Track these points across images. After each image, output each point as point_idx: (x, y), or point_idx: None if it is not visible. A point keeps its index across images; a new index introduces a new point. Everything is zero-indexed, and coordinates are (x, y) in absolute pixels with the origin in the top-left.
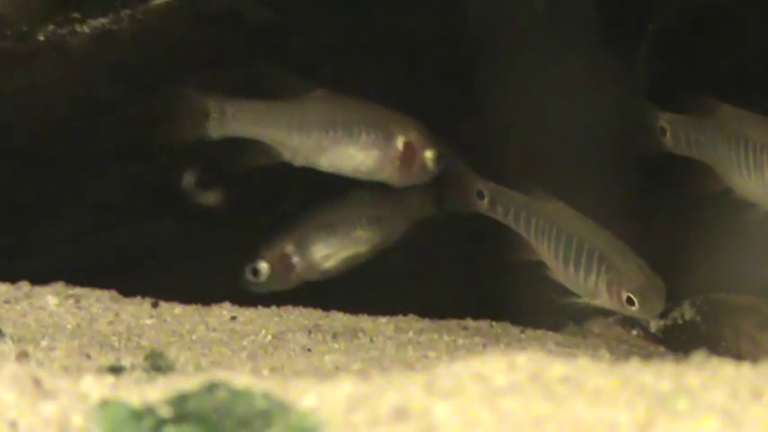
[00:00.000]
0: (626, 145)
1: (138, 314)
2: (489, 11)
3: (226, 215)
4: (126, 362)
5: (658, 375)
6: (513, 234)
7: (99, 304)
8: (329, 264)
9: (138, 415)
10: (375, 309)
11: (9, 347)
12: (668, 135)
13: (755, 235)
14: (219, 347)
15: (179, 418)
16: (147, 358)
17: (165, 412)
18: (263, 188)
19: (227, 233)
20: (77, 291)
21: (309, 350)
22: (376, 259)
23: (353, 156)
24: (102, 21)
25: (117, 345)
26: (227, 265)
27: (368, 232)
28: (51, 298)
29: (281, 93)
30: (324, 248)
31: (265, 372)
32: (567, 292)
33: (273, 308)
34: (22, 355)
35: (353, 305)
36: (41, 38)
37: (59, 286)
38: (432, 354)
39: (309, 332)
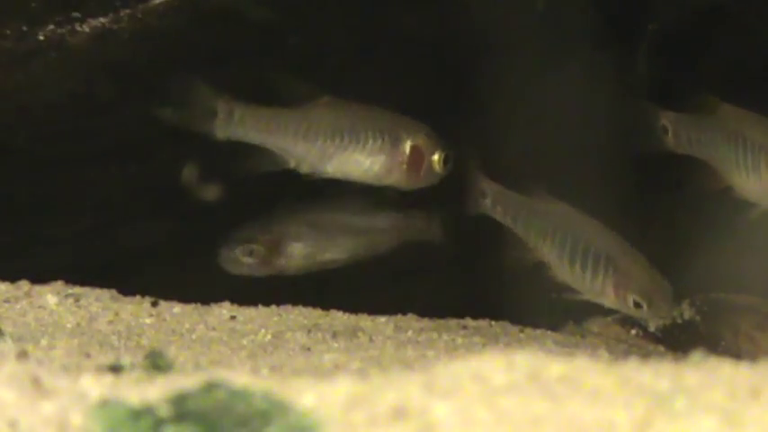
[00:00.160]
0: (625, 144)
1: (137, 313)
2: (490, 10)
3: (225, 214)
4: (125, 361)
5: (657, 375)
6: (512, 235)
7: (98, 303)
8: (307, 262)
9: (138, 414)
10: (374, 308)
11: (9, 346)
12: (670, 134)
13: (754, 234)
14: (219, 347)
15: (178, 417)
16: (146, 357)
17: (165, 411)
18: (262, 188)
19: (228, 233)
20: (77, 290)
21: (309, 349)
22: (375, 259)
23: (360, 162)
24: (101, 20)
25: (116, 344)
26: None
27: (352, 242)
28: (51, 297)
29: (287, 99)
30: (307, 247)
31: (265, 371)
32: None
33: (273, 307)
34: (22, 354)
35: (353, 304)
36: (41, 37)
37: (59, 285)
38: (431, 353)
39: (309, 331)
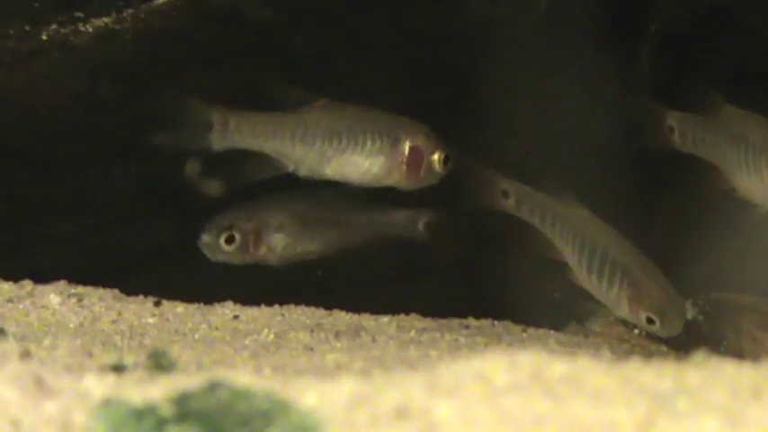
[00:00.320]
0: (626, 144)
1: (140, 313)
2: (491, 10)
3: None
4: (128, 361)
5: (659, 375)
6: (537, 233)
7: (101, 303)
8: (287, 253)
9: (140, 414)
10: (377, 308)
11: (12, 346)
12: (676, 134)
13: (756, 234)
14: (222, 346)
15: (181, 417)
16: (149, 357)
17: (167, 411)
18: (264, 187)
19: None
20: (80, 290)
21: (311, 349)
22: (377, 259)
23: (359, 164)
24: (104, 20)
25: (119, 343)
26: (229, 265)
27: (330, 234)
28: (54, 297)
29: (284, 104)
30: (286, 237)
31: (267, 371)
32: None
33: (276, 307)
34: (25, 354)
35: (356, 304)
36: (44, 37)
37: (62, 285)
38: (433, 353)
39: (312, 331)
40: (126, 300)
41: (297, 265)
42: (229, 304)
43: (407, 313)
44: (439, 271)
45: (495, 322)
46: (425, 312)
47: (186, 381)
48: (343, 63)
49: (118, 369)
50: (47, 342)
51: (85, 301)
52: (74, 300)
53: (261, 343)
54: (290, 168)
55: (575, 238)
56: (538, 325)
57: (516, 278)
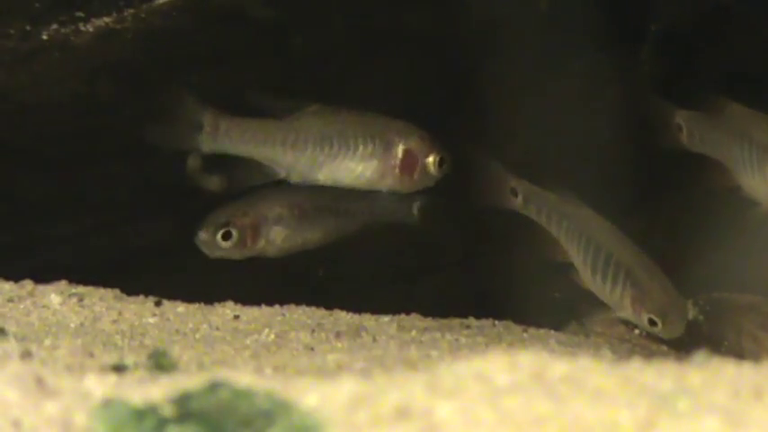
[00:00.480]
0: (629, 143)
1: (141, 313)
2: (492, 10)
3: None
4: (129, 361)
5: (660, 375)
6: (544, 234)
7: (102, 303)
8: (285, 244)
9: (141, 414)
10: (378, 308)
11: (12, 346)
12: (684, 132)
13: (759, 234)
14: (222, 346)
15: (181, 417)
16: (150, 357)
17: (168, 411)
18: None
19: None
20: (81, 289)
21: (312, 349)
22: (378, 259)
23: (351, 168)
24: (105, 20)
25: (120, 343)
26: (230, 264)
27: (327, 223)
28: (54, 297)
29: (275, 112)
30: (285, 229)
31: (268, 371)
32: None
33: (277, 307)
34: (26, 354)
35: (356, 304)
36: (45, 37)
37: (63, 285)
38: (434, 353)
39: (312, 331)
40: (127, 300)
41: (297, 262)
42: (230, 304)
43: (408, 313)
44: (440, 271)
45: (496, 322)
46: (426, 312)
47: (187, 381)
48: (343, 63)
49: (119, 369)
50: (47, 342)
51: (86, 301)
52: (74, 300)
53: (262, 343)
54: (282, 175)
55: (580, 238)
56: (539, 325)
57: (517, 278)
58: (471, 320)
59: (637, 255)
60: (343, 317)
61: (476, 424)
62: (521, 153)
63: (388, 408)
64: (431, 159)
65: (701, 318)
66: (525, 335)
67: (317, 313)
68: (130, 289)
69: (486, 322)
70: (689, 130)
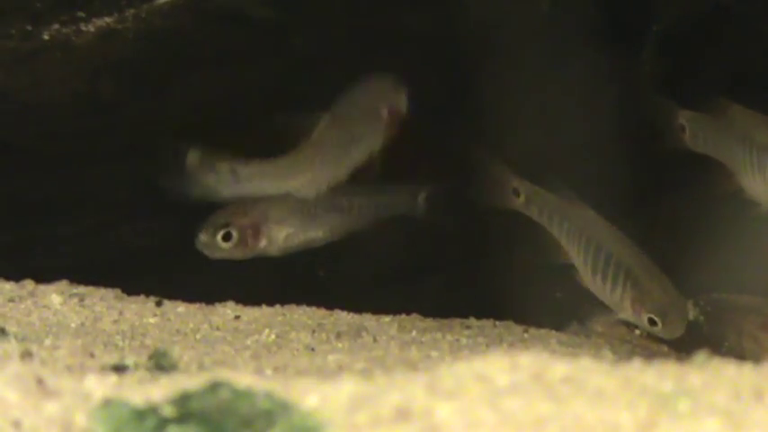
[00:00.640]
0: (630, 143)
1: (141, 313)
2: (492, 11)
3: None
4: (129, 361)
5: (660, 376)
6: (546, 235)
7: (103, 303)
8: (288, 243)
9: (141, 414)
10: (378, 308)
11: (13, 346)
12: (687, 133)
13: (759, 235)
14: (223, 346)
15: (182, 417)
16: (150, 357)
17: (168, 412)
18: None
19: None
20: (81, 289)
21: (313, 349)
22: (379, 259)
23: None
24: (106, 20)
25: (121, 344)
26: (230, 265)
27: (333, 220)
28: (55, 297)
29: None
30: (287, 227)
31: (268, 371)
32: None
33: (277, 307)
34: (26, 354)
35: (357, 304)
36: (46, 37)
37: (63, 285)
38: (435, 353)
39: (313, 331)
40: (127, 300)
41: (298, 262)
42: (231, 304)
43: (409, 313)
44: (440, 271)
45: (497, 322)
46: (427, 312)
47: (188, 381)
48: (343, 63)
49: (119, 369)
50: (48, 342)
51: (87, 301)
52: (75, 300)
53: (262, 343)
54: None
55: (580, 238)
56: (539, 325)
57: (518, 278)
58: (472, 321)
59: (637, 255)
60: (344, 317)
61: (476, 425)
62: (521, 153)
63: (389, 408)
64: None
65: (701, 318)
66: (526, 335)
67: (318, 313)
68: (131, 289)
69: (487, 323)
70: (692, 130)
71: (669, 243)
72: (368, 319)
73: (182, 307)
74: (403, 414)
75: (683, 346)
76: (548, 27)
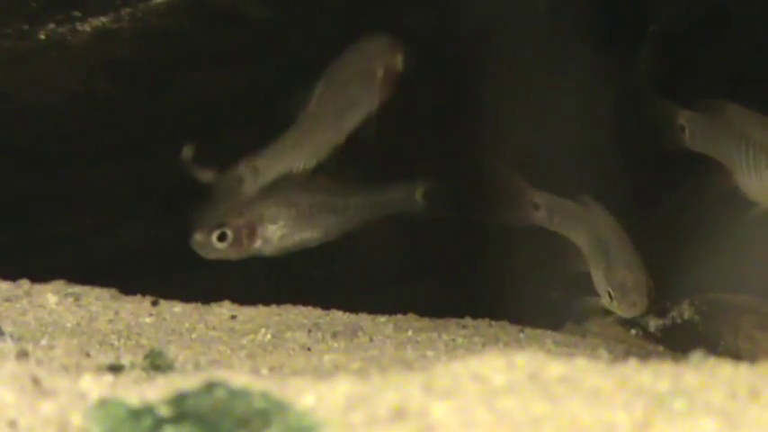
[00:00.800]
0: (628, 143)
1: (137, 312)
2: (490, 10)
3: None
4: (125, 360)
5: (656, 375)
6: (568, 244)
7: (99, 302)
8: (283, 243)
9: (137, 414)
10: (374, 308)
11: (8, 346)
12: (687, 132)
13: (755, 234)
14: (219, 346)
15: (178, 417)
16: (146, 357)
17: (164, 411)
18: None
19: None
20: (77, 289)
21: (309, 349)
22: (375, 259)
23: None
24: (102, 19)
25: (116, 343)
26: (226, 264)
27: (328, 219)
28: (51, 296)
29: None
30: (282, 228)
31: (264, 371)
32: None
33: (273, 307)
34: (22, 354)
35: (353, 304)
36: (42, 36)
37: (59, 284)
38: (430, 353)
39: (309, 331)
40: (123, 299)
41: (294, 262)
42: (227, 304)
43: (405, 313)
44: (436, 271)
45: (493, 322)
46: (423, 312)
47: (183, 381)
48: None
49: (115, 369)
50: (44, 342)
51: (83, 301)
52: (71, 299)
53: (258, 343)
54: None
55: (598, 244)
56: (535, 325)
57: (513, 278)
58: (468, 320)
59: (618, 241)
60: (340, 317)
61: (472, 424)
62: (517, 152)
63: (385, 408)
64: (399, 59)
65: (697, 318)
66: (522, 335)
67: (314, 313)
68: (127, 289)
69: (483, 322)
70: (692, 130)
71: (666, 243)
72: (364, 319)
73: (178, 306)
74: (399, 414)
75: (678, 345)
76: (544, 26)
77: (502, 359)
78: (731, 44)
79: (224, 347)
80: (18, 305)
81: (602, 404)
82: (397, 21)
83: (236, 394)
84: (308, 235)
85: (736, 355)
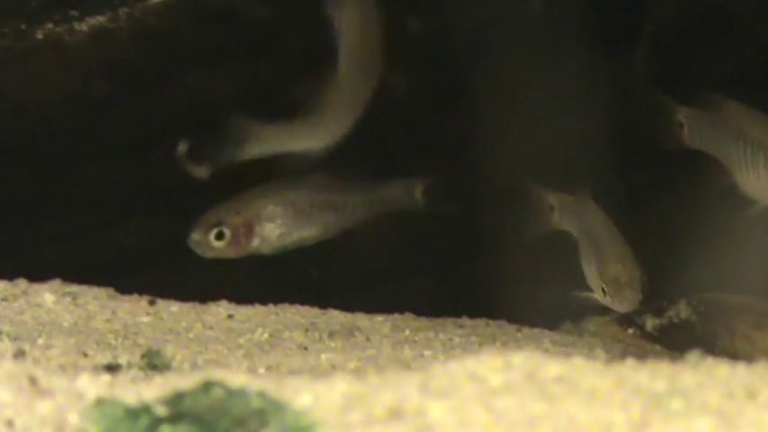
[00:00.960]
0: (624, 142)
1: (134, 312)
2: (486, 10)
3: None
4: (123, 360)
5: (653, 375)
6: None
7: (96, 302)
8: (281, 242)
9: (134, 413)
10: (372, 307)
11: (6, 345)
12: (686, 130)
13: (753, 233)
14: (216, 345)
15: (175, 416)
16: (143, 356)
17: (161, 411)
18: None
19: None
20: (74, 288)
21: (306, 348)
22: (372, 258)
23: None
24: (100, 19)
25: (114, 343)
26: (223, 263)
27: (324, 217)
28: (48, 295)
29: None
30: (279, 226)
31: (261, 370)
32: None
33: (270, 306)
34: (19, 353)
35: (350, 303)
36: (39, 36)
37: (56, 284)
38: (427, 352)
39: (306, 330)
40: (120, 299)
41: (291, 261)
42: (224, 303)
43: (402, 312)
44: (433, 270)
45: (490, 322)
46: (420, 312)
47: (181, 380)
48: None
49: (112, 368)
50: (41, 341)
51: (80, 300)
52: (68, 298)
53: (255, 342)
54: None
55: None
56: (532, 324)
57: (511, 277)
58: (465, 320)
59: (611, 238)
60: (337, 316)
61: (469, 424)
62: (513, 151)
63: (382, 408)
64: None
65: (694, 318)
66: (519, 334)
67: (311, 312)
68: (124, 288)
69: (480, 322)
70: (690, 127)
71: (663, 242)
72: (361, 319)
73: (175, 306)
74: (396, 413)
75: (676, 345)
76: (540, 26)
77: (499, 359)
78: (728, 43)
79: (221, 347)
80: (15, 304)
81: (599, 404)
82: (396, 21)
83: (234, 394)
84: (307, 233)
85: (733, 355)
